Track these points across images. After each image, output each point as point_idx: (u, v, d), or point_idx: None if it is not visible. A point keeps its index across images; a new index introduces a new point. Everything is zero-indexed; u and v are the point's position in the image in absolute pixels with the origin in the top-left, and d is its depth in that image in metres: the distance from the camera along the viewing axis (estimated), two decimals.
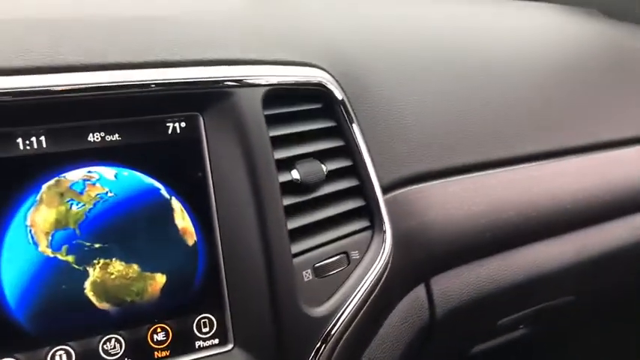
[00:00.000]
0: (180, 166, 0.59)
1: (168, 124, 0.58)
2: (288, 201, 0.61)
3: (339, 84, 0.69)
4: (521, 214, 0.83)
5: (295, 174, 0.62)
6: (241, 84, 0.60)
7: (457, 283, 0.81)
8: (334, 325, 0.62)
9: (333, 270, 0.63)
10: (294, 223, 0.61)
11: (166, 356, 0.57)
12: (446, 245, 0.77)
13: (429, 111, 0.80)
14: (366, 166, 0.68)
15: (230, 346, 0.59)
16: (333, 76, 0.68)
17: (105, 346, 0.55)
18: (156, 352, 0.57)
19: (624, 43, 1.14)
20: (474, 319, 0.88)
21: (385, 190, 0.71)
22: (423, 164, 0.77)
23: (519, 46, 0.99)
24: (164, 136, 0.58)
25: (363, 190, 0.69)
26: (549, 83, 0.95)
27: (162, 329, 0.57)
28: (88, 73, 0.54)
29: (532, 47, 1.00)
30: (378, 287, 0.67)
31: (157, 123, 0.58)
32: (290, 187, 0.62)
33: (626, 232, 0.96)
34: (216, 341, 0.59)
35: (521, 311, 0.95)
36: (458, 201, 0.79)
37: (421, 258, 0.75)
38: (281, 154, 0.62)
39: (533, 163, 0.87)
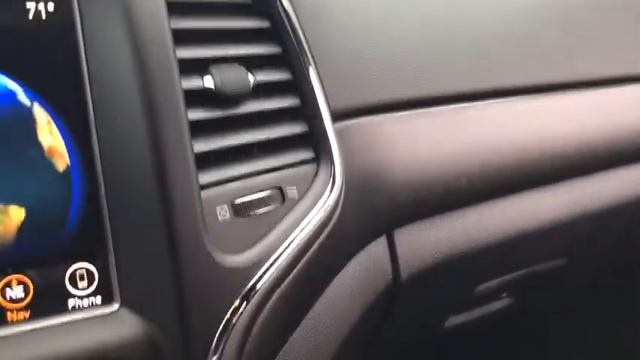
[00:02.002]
0: (46, 64, 0.43)
1: (28, 5, 0.43)
2: (196, 115, 0.46)
3: None
4: (503, 156, 0.69)
5: (208, 81, 0.47)
6: None
7: (426, 239, 0.67)
8: (259, 278, 0.47)
9: (261, 208, 0.49)
10: (204, 145, 0.46)
11: (25, 319, 0.42)
12: (412, 191, 0.63)
13: (394, 29, 0.65)
14: (309, 81, 0.54)
15: (116, 306, 0.44)
16: None
17: None
18: (10, 313, 0.42)
19: None
20: (447, 283, 0.74)
21: (336, 116, 0.57)
22: (384, 90, 0.62)
23: None
24: (23, 21, 0.43)
25: (305, 111, 0.54)
26: (537, 10, 0.81)
27: (20, 283, 0.42)
28: None
29: None
30: (322, 235, 0.52)
31: (12, 1, 0.43)
32: (201, 98, 0.47)
33: (627, 183, 0.83)
34: (98, 300, 0.44)
35: (503, 276, 0.81)
36: (427, 138, 0.64)
37: (381, 205, 0.61)
38: (187, 52, 0.47)
39: (519, 98, 0.73)
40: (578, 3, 0.86)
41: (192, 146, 0.45)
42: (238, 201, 0.47)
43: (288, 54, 0.53)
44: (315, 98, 0.54)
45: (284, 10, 0.53)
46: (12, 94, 0.42)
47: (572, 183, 0.78)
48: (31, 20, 0.43)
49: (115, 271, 0.44)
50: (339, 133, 0.56)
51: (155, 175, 0.43)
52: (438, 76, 0.67)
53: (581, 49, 0.81)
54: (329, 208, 0.53)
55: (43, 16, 0.43)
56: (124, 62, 0.43)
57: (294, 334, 0.54)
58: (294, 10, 0.53)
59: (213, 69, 0.47)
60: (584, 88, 0.78)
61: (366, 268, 0.62)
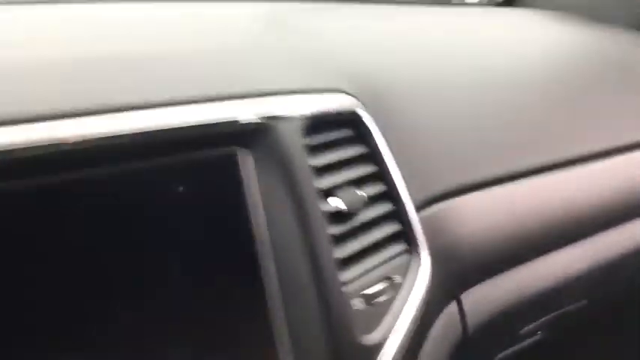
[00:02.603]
0: (219, 207, 0.58)
1: (203, 161, 0.58)
2: (333, 230, 0.61)
3: (366, 108, 0.69)
4: (544, 222, 0.85)
5: (340, 203, 0.62)
6: (280, 118, 0.60)
7: (486, 296, 0.82)
8: (385, 351, 0.62)
9: (380, 296, 0.64)
10: (340, 252, 0.61)
11: None
12: (478, 259, 0.78)
13: (451, 127, 0.81)
14: (400, 193, 0.69)
15: None
16: (359, 101, 0.69)
17: None
18: None
19: (617, 47, 1.18)
20: (502, 329, 0.89)
21: (417, 209, 0.72)
22: (450, 180, 0.78)
23: (518, 55, 1.01)
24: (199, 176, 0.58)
25: (398, 213, 0.69)
26: (551, 92, 0.97)
27: None
28: (108, 115, 0.51)
29: (529, 55, 1.03)
30: (421, 308, 0.67)
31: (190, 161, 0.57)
32: (333, 216, 0.62)
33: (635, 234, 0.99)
34: None
35: (542, 318, 0.97)
36: (486, 213, 0.80)
37: (455, 273, 0.76)
38: (323, 183, 0.62)
39: (550, 173, 0.89)
40: (585, 77, 1.03)
41: (334, 255, 0.60)
42: (365, 292, 0.62)
43: (383, 171, 0.68)
44: (404, 202, 0.69)
45: (378, 137, 0.68)
46: None
47: (592, 238, 0.94)
48: (205, 175, 0.58)
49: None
50: (422, 223, 0.71)
51: (312, 279, 0.58)
52: (486, 161, 0.83)
53: (591, 122, 0.98)
54: (423, 287, 0.68)
55: (215, 170, 0.58)
56: (282, 198, 0.58)
57: None
58: (384, 138, 0.69)
59: (339, 193, 0.63)
60: (598, 158, 0.95)
61: (443, 328, 0.77)
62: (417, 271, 0.68)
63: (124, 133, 0.51)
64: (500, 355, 1.01)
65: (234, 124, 0.57)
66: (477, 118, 0.85)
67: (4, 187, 0.47)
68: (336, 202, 0.62)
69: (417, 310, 0.66)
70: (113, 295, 0.52)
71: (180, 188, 0.56)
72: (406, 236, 0.69)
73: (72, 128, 0.49)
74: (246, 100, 0.59)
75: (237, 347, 0.57)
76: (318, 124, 0.63)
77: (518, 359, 1.09)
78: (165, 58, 0.61)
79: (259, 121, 0.59)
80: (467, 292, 0.81)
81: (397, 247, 0.68)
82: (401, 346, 0.63)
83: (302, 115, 0.61)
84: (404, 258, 0.69)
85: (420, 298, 0.67)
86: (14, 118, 0.49)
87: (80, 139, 0.49)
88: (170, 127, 0.54)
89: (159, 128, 0.53)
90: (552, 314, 0.98)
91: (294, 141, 0.60)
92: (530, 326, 0.96)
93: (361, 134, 0.68)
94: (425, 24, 1.06)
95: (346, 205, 0.62)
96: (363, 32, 0.89)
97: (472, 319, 0.81)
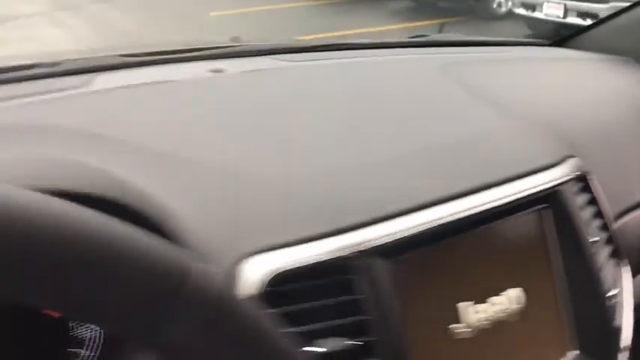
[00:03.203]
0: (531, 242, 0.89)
1: (522, 216, 0.89)
2: (593, 250, 0.94)
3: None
4: None
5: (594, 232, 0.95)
6: (562, 182, 0.91)
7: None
8: (624, 332, 0.95)
9: (613, 296, 0.97)
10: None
11: None
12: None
13: (615, 162, 1.14)
14: (611, 224, 1.02)
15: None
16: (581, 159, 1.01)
17: None
18: None
19: None
20: None
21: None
22: (623, 203, 1.11)
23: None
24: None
25: (611, 239, 1.01)
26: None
27: None
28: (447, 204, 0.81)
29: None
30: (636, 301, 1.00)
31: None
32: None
33: None
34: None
35: None
36: None
37: None
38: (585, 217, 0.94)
39: None
40: None
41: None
42: (608, 295, 0.95)
43: (602, 211, 1.00)
44: (615, 233, 1.02)
45: (597, 190, 1.00)
46: None
47: None
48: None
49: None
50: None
51: (589, 282, 0.90)
52: None
53: None
54: (631, 287, 1.01)
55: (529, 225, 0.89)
56: (568, 231, 0.90)
57: None
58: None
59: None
60: None
61: None
62: (626, 276, 1.02)
63: (484, 208, 0.83)
64: None
65: (539, 192, 0.89)
66: (623, 153, 1.18)
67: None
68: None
69: (635, 303, 1.00)
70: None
71: (512, 234, 0.87)
72: (616, 253, 1.02)
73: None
74: (539, 174, 0.91)
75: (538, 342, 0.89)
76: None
77: None
78: (464, 147, 0.93)
79: (551, 186, 0.90)
80: None
81: (612, 261, 1.01)
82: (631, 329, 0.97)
83: (572, 177, 0.94)
84: (617, 268, 1.02)
85: (633, 295, 1.01)
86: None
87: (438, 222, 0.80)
88: (505, 200, 0.85)
89: (496, 204, 0.85)
90: None
91: (572, 193, 0.92)
92: None
93: (587, 185, 1.00)
94: (548, 70, 1.38)
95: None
96: (540, 90, 1.22)
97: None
